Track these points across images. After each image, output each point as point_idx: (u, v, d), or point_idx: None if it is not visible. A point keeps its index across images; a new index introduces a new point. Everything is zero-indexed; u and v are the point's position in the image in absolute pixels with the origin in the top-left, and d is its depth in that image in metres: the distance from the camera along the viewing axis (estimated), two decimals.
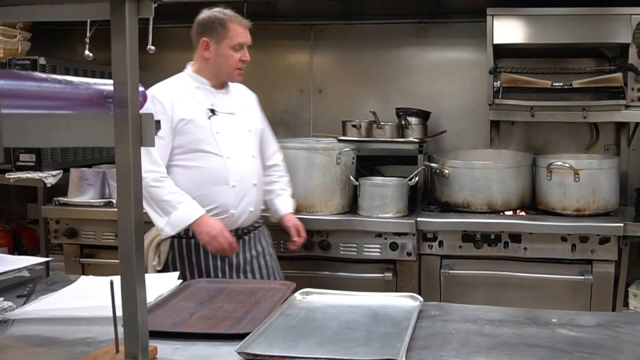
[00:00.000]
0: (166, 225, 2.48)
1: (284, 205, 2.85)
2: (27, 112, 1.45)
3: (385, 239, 3.07)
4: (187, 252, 2.58)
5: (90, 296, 1.90)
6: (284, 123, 3.95)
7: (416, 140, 3.44)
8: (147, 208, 2.50)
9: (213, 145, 2.56)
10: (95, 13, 1.26)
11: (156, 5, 1.25)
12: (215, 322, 1.70)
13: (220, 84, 2.68)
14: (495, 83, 3.29)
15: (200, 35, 2.61)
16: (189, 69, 2.68)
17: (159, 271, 2.58)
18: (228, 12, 2.62)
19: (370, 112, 3.44)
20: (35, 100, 1.50)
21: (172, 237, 2.55)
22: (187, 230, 2.52)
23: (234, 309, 1.81)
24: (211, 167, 2.55)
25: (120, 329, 1.31)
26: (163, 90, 2.60)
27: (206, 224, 2.47)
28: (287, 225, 2.82)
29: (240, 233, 2.64)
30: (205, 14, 2.63)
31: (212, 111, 2.59)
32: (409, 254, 3.06)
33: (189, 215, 2.47)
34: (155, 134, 1.25)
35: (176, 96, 2.58)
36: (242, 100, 2.75)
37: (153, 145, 1.30)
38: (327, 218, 3.12)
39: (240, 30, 2.61)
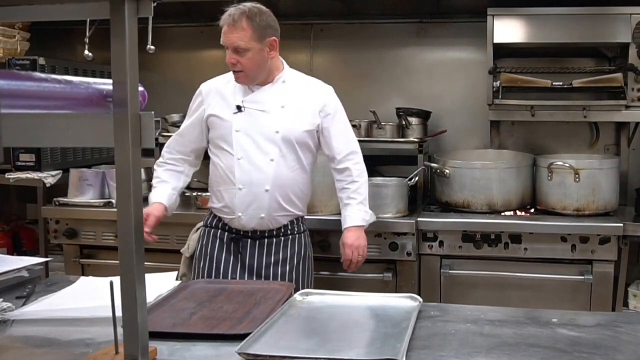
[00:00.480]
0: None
1: (348, 218, 2.64)
2: (27, 112, 1.45)
3: (385, 238, 3.07)
4: (206, 242, 2.61)
5: (90, 297, 1.89)
6: None
7: (416, 140, 3.44)
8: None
9: (229, 143, 2.51)
10: (94, 12, 1.25)
11: (155, 4, 1.24)
12: (215, 322, 1.70)
13: (263, 81, 2.53)
14: (494, 83, 3.29)
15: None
16: None
17: (188, 258, 2.76)
18: (234, 9, 2.45)
19: (371, 111, 3.44)
20: (35, 100, 1.49)
21: (204, 226, 2.65)
22: (214, 219, 2.61)
23: (234, 309, 1.80)
24: (222, 166, 2.53)
25: (120, 330, 1.31)
26: (208, 84, 2.62)
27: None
28: (342, 242, 2.64)
29: (258, 235, 2.57)
30: None
31: (239, 107, 2.51)
32: (408, 254, 3.06)
33: (149, 201, 2.57)
34: (155, 134, 1.25)
35: (216, 90, 2.57)
36: (290, 98, 2.54)
37: (153, 146, 1.29)
38: (327, 218, 3.12)
39: (223, 30, 2.45)
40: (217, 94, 2.56)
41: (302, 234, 2.65)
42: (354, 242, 2.61)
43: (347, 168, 2.63)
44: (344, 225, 2.64)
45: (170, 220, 3.28)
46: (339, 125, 2.62)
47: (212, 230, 2.62)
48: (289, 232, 2.60)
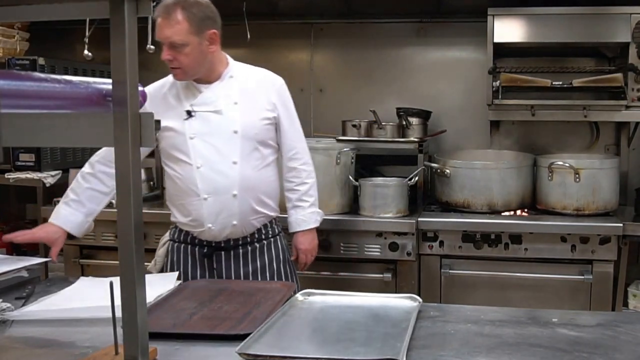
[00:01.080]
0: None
1: (302, 222, 2.53)
2: (27, 112, 1.45)
3: (385, 238, 3.06)
4: (177, 258, 2.45)
5: (90, 297, 1.89)
6: None
7: (416, 140, 3.44)
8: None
9: (185, 152, 2.33)
10: (94, 12, 1.25)
11: (155, 4, 1.24)
12: (215, 322, 1.69)
13: (208, 78, 2.38)
14: (494, 83, 3.29)
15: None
16: None
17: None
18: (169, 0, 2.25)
19: (371, 111, 3.44)
20: (34, 100, 1.49)
21: (171, 241, 2.48)
22: (181, 234, 2.45)
23: (234, 309, 1.80)
24: (182, 177, 2.35)
25: (120, 330, 1.30)
26: (149, 90, 2.41)
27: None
28: (296, 247, 2.56)
29: (232, 245, 2.42)
30: None
31: (189, 113, 2.33)
32: (409, 254, 3.06)
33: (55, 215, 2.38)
34: (155, 134, 1.24)
35: (159, 97, 2.39)
36: (241, 93, 2.39)
37: (153, 146, 1.29)
38: (328, 218, 3.10)
39: (157, 24, 2.25)
40: (162, 100, 2.38)
41: (278, 237, 2.53)
42: (308, 247, 2.55)
43: (294, 168, 2.51)
44: (296, 228, 2.54)
45: (170, 220, 3.29)
46: (288, 120, 2.47)
47: (182, 246, 2.45)
48: (263, 237, 2.47)
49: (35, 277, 2.14)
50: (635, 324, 1.69)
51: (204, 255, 2.41)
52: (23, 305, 1.86)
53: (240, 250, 2.42)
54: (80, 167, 3.54)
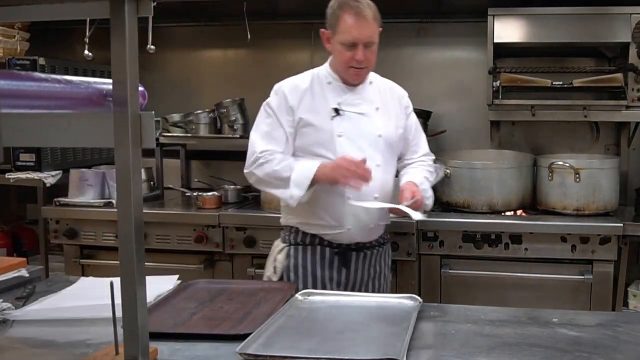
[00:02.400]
0: (293, 188, 2.23)
1: (411, 176, 2.39)
2: (27, 112, 1.45)
3: None
4: (302, 260, 2.36)
5: (90, 297, 1.89)
6: None
7: None
8: (268, 190, 2.35)
9: (331, 149, 2.28)
10: (94, 12, 1.25)
11: (155, 4, 1.24)
12: (216, 322, 1.70)
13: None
14: (494, 83, 3.29)
15: (325, 24, 2.36)
16: (327, 61, 2.42)
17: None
18: (354, 0, 2.25)
19: None
20: (35, 100, 1.49)
21: (289, 245, 2.39)
22: (306, 236, 2.36)
23: (235, 309, 1.80)
24: None
25: (120, 330, 1.31)
26: (290, 84, 2.37)
27: (326, 166, 2.21)
28: (404, 188, 2.33)
29: (361, 247, 2.39)
30: None
31: (337, 111, 2.31)
32: (409, 254, 3.06)
33: (308, 168, 2.23)
34: (156, 134, 1.25)
35: (302, 93, 2.33)
36: (380, 100, 2.40)
37: (153, 146, 1.28)
38: None
39: (349, 24, 2.24)
40: (304, 95, 2.33)
41: (389, 243, 2.55)
42: (414, 188, 2.31)
43: (422, 160, 2.52)
44: (409, 179, 2.38)
45: (170, 221, 3.30)
46: (414, 126, 2.51)
47: (308, 248, 2.36)
48: (383, 241, 2.48)
49: (36, 277, 2.14)
50: (635, 324, 1.69)
51: (337, 254, 2.36)
52: (23, 305, 1.86)
53: (368, 253, 2.41)
54: (81, 167, 3.57)
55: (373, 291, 2.41)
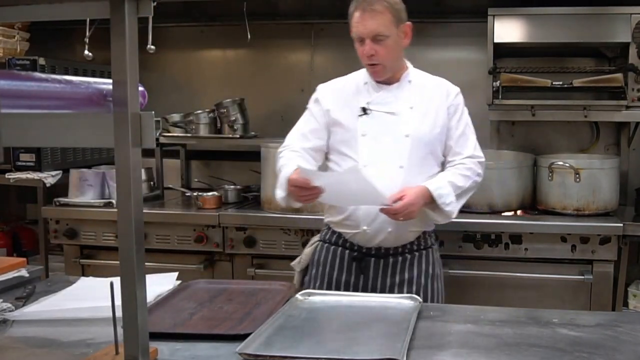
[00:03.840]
0: (278, 188, 2.23)
1: (429, 180, 2.26)
2: (27, 112, 1.45)
3: None
4: (324, 259, 2.35)
5: (90, 297, 1.89)
6: (284, 122, 3.94)
7: None
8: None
9: (354, 148, 2.26)
10: (94, 12, 1.25)
11: (155, 4, 1.24)
12: (216, 322, 1.70)
13: (389, 79, 2.32)
14: (494, 83, 3.29)
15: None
16: None
17: (299, 272, 2.46)
18: None
19: None
20: (35, 100, 1.50)
21: (321, 241, 2.40)
22: (333, 235, 2.35)
23: (234, 309, 1.80)
24: None
25: (120, 330, 1.31)
26: (328, 86, 2.40)
27: (292, 179, 2.13)
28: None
29: (382, 253, 2.31)
30: None
31: (364, 110, 2.28)
32: None
33: (287, 172, 2.19)
34: (156, 134, 1.25)
35: (337, 92, 2.36)
36: (419, 99, 2.32)
37: (153, 146, 1.28)
38: None
39: (356, 19, 2.21)
40: (341, 96, 2.34)
41: (430, 249, 2.39)
42: (407, 191, 2.17)
43: (462, 163, 2.34)
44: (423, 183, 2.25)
45: (170, 221, 3.30)
46: (462, 126, 2.37)
47: (332, 247, 2.36)
48: (415, 248, 2.34)
49: (36, 277, 2.14)
50: (635, 324, 1.69)
51: (354, 259, 2.31)
52: (23, 305, 1.86)
53: (390, 259, 2.31)
54: (81, 167, 3.57)
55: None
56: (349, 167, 2.21)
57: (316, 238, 2.48)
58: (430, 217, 2.31)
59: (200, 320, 1.72)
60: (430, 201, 2.22)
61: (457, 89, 2.44)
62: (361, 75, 2.38)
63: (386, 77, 2.31)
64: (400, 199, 2.14)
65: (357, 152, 2.25)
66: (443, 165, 2.39)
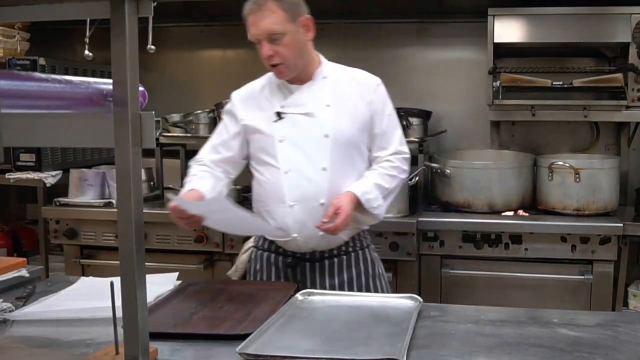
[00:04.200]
0: None
1: (354, 185, 2.18)
2: (28, 112, 1.45)
3: (386, 238, 3.06)
4: (260, 266, 2.29)
5: (90, 297, 1.89)
6: None
7: (417, 140, 3.44)
8: None
9: (273, 155, 2.18)
10: (94, 12, 1.25)
11: (155, 4, 1.24)
12: (216, 322, 1.70)
13: (301, 78, 2.22)
14: (495, 83, 3.29)
15: None
16: None
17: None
18: None
19: None
20: (35, 100, 1.50)
21: (255, 247, 2.35)
22: (266, 242, 2.30)
23: (235, 309, 1.80)
24: (269, 182, 2.20)
25: (120, 330, 1.31)
26: (241, 92, 2.32)
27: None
28: (332, 203, 2.14)
29: (317, 257, 2.24)
30: None
31: (279, 114, 2.19)
32: (409, 254, 3.06)
33: (185, 189, 2.17)
34: (156, 134, 1.25)
35: (250, 98, 2.27)
36: (335, 95, 2.22)
37: (153, 146, 1.28)
38: None
39: (249, 21, 2.14)
40: (254, 102, 2.26)
41: (367, 249, 2.33)
42: (342, 205, 2.10)
43: (390, 160, 2.26)
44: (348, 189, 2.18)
45: (170, 220, 3.28)
46: (386, 121, 2.26)
47: (265, 254, 2.30)
48: (350, 249, 2.27)
49: (36, 277, 2.14)
50: (635, 324, 1.69)
51: (288, 266, 2.25)
52: (23, 305, 1.86)
53: (326, 262, 2.24)
54: (81, 167, 3.57)
55: None
56: (214, 196, 2.13)
57: (250, 244, 2.41)
58: (359, 220, 2.23)
59: (200, 320, 1.72)
60: (358, 205, 2.16)
61: (376, 80, 2.31)
62: (273, 77, 2.27)
63: (292, 75, 2.20)
64: (336, 213, 2.08)
65: (277, 159, 2.18)
66: (370, 161, 2.29)
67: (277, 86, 2.25)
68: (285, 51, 2.12)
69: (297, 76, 2.22)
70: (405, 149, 2.32)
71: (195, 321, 1.71)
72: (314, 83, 2.24)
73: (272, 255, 2.28)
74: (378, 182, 2.21)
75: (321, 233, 2.14)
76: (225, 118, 2.32)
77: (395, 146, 2.28)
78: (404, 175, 2.31)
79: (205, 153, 2.30)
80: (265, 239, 2.31)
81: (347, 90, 2.24)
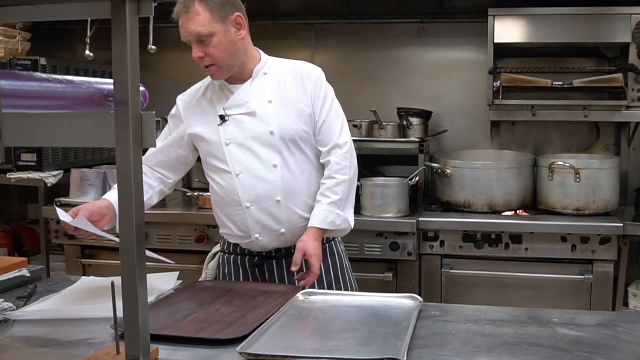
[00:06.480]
0: None
1: (312, 217, 2.16)
2: (29, 112, 1.45)
3: (386, 238, 3.07)
4: (228, 270, 2.29)
5: (91, 297, 1.90)
6: None
7: (417, 140, 3.44)
8: None
9: (222, 159, 2.18)
10: (95, 12, 1.26)
11: (156, 4, 1.24)
12: (204, 325, 1.66)
13: (240, 77, 2.21)
14: (495, 83, 3.29)
15: None
16: None
17: None
18: None
19: (372, 111, 3.44)
20: (36, 100, 1.50)
21: (222, 252, 2.35)
22: (230, 245, 2.29)
23: (230, 312, 1.77)
24: (222, 186, 2.20)
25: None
26: (184, 98, 2.32)
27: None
28: (296, 247, 2.12)
29: (283, 254, 2.24)
30: None
31: (222, 118, 2.18)
32: (409, 254, 3.06)
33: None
34: (157, 135, 1.25)
35: (193, 104, 2.27)
36: (277, 90, 2.20)
37: (154, 146, 1.29)
38: None
39: (180, 24, 2.14)
40: (196, 107, 2.25)
41: (333, 242, 2.30)
42: (304, 245, 2.10)
43: (328, 162, 2.21)
44: (308, 224, 2.16)
45: (171, 221, 3.30)
46: (323, 115, 2.21)
47: (232, 257, 2.30)
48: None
49: (37, 277, 2.14)
50: (635, 324, 1.69)
51: (254, 265, 2.25)
52: (25, 305, 1.86)
53: (290, 259, 2.17)
54: (82, 167, 3.57)
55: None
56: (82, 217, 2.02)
57: (217, 248, 2.40)
58: (336, 236, 2.25)
59: (191, 322, 1.68)
60: (324, 232, 2.16)
61: (317, 72, 2.26)
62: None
63: (227, 76, 2.18)
64: (305, 257, 2.08)
65: (227, 163, 2.17)
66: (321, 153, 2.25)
67: (219, 87, 2.24)
68: (215, 52, 2.10)
69: (236, 76, 2.20)
70: (344, 139, 2.24)
71: (186, 323, 1.67)
72: (255, 81, 2.21)
73: (239, 258, 2.28)
74: (330, 199, 2.17)
75: (283, 230, 2.17)
76: (169, 122, 2.34)
77: (334, 139, 2.22)
78: (350, 171, 2.23)
79: (145, 158, 2.24)
80: (230, 243, 2.30)
81: (290, 84, 2.21)
